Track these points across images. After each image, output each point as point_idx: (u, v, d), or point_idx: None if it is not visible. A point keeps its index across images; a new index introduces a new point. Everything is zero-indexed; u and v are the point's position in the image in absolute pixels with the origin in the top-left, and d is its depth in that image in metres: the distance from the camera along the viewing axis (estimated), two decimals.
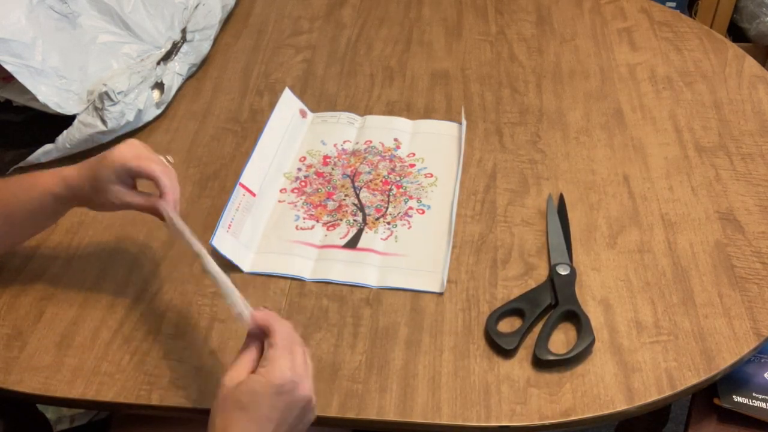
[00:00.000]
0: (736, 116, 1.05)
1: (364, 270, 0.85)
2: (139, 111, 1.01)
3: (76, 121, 0.96)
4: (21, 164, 0.98)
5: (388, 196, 0.95)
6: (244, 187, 0.89)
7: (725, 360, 0.76)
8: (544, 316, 0.80)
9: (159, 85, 1.05)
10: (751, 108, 1.07)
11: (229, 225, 0.86)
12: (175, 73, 1.09)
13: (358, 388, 0.74)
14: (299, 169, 0.99)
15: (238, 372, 0.61)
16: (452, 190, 0.94)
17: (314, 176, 0.98)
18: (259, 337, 0.64)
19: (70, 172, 0.76)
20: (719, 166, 0.98)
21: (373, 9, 1.30)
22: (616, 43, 1.20)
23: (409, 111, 1.08)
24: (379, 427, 0.73)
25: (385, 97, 1.11)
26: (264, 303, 0.82)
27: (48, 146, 0.97)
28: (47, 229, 0.90)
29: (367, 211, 0.92)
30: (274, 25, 1.27)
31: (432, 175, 0.97)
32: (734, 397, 0.88)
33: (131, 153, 0.74)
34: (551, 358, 0.75)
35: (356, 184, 0.96)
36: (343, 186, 0.96)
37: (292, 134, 1.02)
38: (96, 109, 0.96)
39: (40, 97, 0.93)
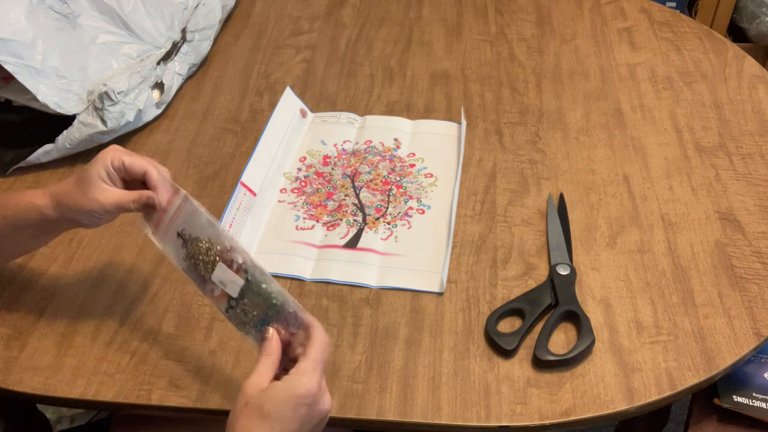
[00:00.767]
0: (736, 116, 1.05)
1: (364, 270, 0.85)
2: (139, 111, 1.01)
3: (76, 121, 0.96)
4: (21, 164, 0.98)
5: (388, 196, 0.95)
6: (245, 186, 0.89)
7: (725, 360, 0.76)
8: (544, 316, 0.80)
9: (159, 85, 1.05)
10: (751, 108, 1.07)
11: (230, 224, 0.86)
12: (175, 73, 1.09)
13: (358, 388, 0.74)
14: (299, 169, 0.99)
15: (260, 379, 0.61)
16: (452, 190, 0.94)
17: (314, 176, 0.98)
18: (280, 345, 0.64)
19: (55, 185, 0.73)
20: (719, 166, 0.98)
21: (373, 9, 1.30)
22: (616, 43, 1.20)
23: (409, 111, 1.08)
24: (379, 427, 0.73)
25: (385, 97, 1.11)
26: None
27: (48, 146, 0.97)
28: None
29: (367, 211, 0.93)
30: (274, 25, 1.27)
31: (432, 175, 0.97)
32: (734, 397, 0.88)
33: (123, 150, 0.72)
34: (551, 358, 0.75)
35: (356, 184, 0.96)
36: (343, 186, 0.96)
37: (292, 134, 1.02)
38: (96, 109, 0.96)
39: (40, 97, 0.93)
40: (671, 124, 1.05)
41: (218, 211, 0.92)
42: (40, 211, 0.72)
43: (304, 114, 1.06)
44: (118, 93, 0.97)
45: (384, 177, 0.97)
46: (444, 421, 0.72)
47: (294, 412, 0.59)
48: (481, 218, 0.91)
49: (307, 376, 0.60)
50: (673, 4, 1.99)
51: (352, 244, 0.88)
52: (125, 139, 1.03)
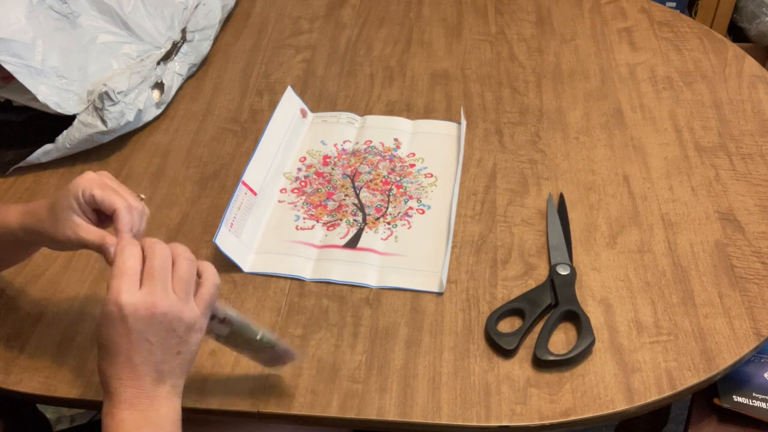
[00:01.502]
0: (736, 116, 1.06)
1: (364, 270, 0.85)
2: (139, 111, 1.01)
3: (76, 121, 0.96)
4: (21, 164, 0.98)
5: (388, 196, 0.95)
6: (246, 185, 0.89)
7: (725, 360, 0.76)
8: (544, 316, 0.80)
9: (159, 85, 1.05)
10: (751, 108, 1.07)
11: (231, 224, 0.86)
12: (175, 73, 1.09)
13: (358, 388, 0.74)
14: (299, 169, 0.99)
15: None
16: (452, 190, 0.94)
17: (314, 176, 0.98)
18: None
19: (29, 206, 0.70)
20: (719, 166, 0.98)
21: (373, 9, 1.30)
22: (616, 43, 1.20)
23: (409, 111, 1.08)
24: (379, 427, 0.73)
25: (385, 97, 1.11)
26: (264, 303, 0.82)
27: (48, 146, 0.97)
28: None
29: (367, 211, 0.93)
30: (274, 25, 1.27)
31: (432, 175, 0.97)
32: (734, 397, 0.88)
33: (98, 181, 0.67)
34: (551, 358, 0.75)
35: (356, 184, 0.96)
36: (343, 186, 0.96)
37: (292, 134, 1.02)
38: (96, 109, 0.96)
39: (40, 97, 0.93)
40: (671, 124, 1.05)
41: (219, 211, 0.92)
42: (14, 233, 0.70)
43: (304, 114, 1.06)
44: (118, 93, 0.97)
45: (384, 177, 0.97)
46: (444, 421, 0.72)
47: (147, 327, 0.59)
48: (481, 218, 0.91)
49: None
50: (673, 4, 1.99)
51: (352, 244, 0.88)
52: (125, 139, 1.03)
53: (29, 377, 0.75)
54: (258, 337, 0.69)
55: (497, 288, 0.83)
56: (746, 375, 0.89)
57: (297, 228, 0.91)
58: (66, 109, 0.96)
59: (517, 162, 0.99)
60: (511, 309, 0.80)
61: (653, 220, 0.91)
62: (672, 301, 0.82)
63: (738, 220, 0.90)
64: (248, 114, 1.08)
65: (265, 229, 0.90)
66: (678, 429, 1.41)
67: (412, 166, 0.99)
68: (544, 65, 1.16)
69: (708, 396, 0.90)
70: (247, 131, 1.05)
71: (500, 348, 0.76)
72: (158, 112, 1.07)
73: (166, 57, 1.08)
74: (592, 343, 0.76)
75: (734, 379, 0.89)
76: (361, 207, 0.93)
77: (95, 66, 1.01)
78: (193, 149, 1.02)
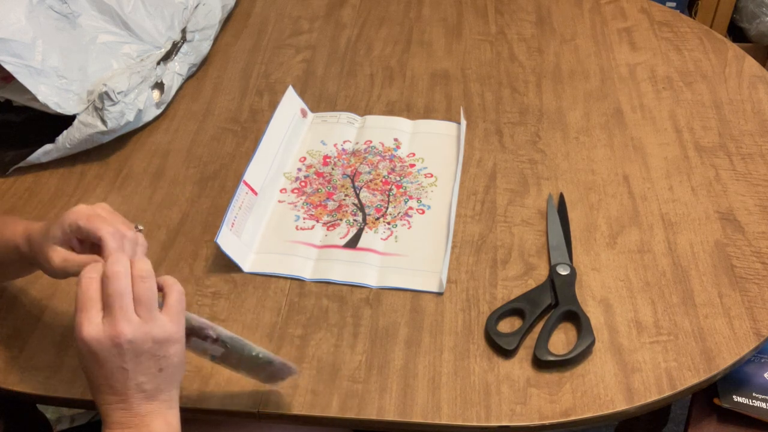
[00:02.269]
0: (736, 116, 1.06)
1: (364, 270, 0.85)
2: (139, 111, 1.01)
3: (76, 121, 0.96)
4: (21, 164, 0.98)
5: (388, 196, 0.95)
6: (247, 185, 0.89)
7: (725, 360, 0.76)
8: (544, 316, 0.80)
9: (159, 85, 1.05)
10: (751, 108, 1.07)
11: (232, 223, 0.86)
12: (175, 73, 1.09)
13: (358, 388, 0.74)
14: (299, 170, 0.99)
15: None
16: (452, 190, 0.94)
17: (314, 176, 0.98)
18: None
19: (35, 226, 0.69)
20: (719, 166, 0.98)
21: (373, 9, 1.30)
22: (616, 43, 1.20)
23: (409, 111, 1.08)
24: (379, 427, 0.73)
25: (385, 97, 1.11)
26: (264, 303, 0.82)
27: (48, 146, 0.97)
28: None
29: (367, 211, 0.93)
30: (274, 25, 1.27)
31: (432, 175, 0.97)
32: (734, 397, 0.88)
33: (86, 213, 0.66)
34: (551, 358, 0.75)
35: (356, 184, 0.96)
36: (343, 186, 0.96)
37: (292, 134, 1.02)
38: (96, 109, 0.96)
39: (40, 97, 0.93)
40: (671, 124, 1.05)
41: (219, 211, 0.92)
42: (19, 250, 0.70)
43: (304, 114, 1.06)
44: (118, 93, 0.97)
45: (384, 177, 0.97)
46: (444, 421, 0.72)
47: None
48: (481, 218, 0.91)
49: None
50: (673, 4, 1.99)
51: (352, 244, 0.88)
52: (125, 139, 1.03)
53: (29, 377, 0.75)
54: (254, 354, 0.68)
55: (497, 288, 0.83)
56: (746, 375, 0.89)
57: (297, 228, 0.91)
58: (66, 109, 0.96)
59: (517, 162, 0.99)
60: (511, 309, 0.80)
61: (653, 220, 0.91)
62: (672, 301, 0.82)
63: (738, 220, 0.90)
64: (248, 114, 1.08)
65: (266, 229, 0.90)
66: (678, 429, 1.41)
67: (412, 166, 0.99)
68: (544, 65, 1.16)
69: (708, 396, 0.90)
70: (247, 131, 1.05)
71: (500, 348, 0.76)
72: (158, 112, 1.07)
73: (166, 57, 1.08)
74: (592, 343, 0.76)
75: (734, 379, 0.89)
76: (361, 207, 0.93)
77: (95, 66, 1.01)
78: (193, 149, 1.02)
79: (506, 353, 0.76)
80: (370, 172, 0.98)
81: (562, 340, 0.78)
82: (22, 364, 0.76)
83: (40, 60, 0.94)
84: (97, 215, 0.66)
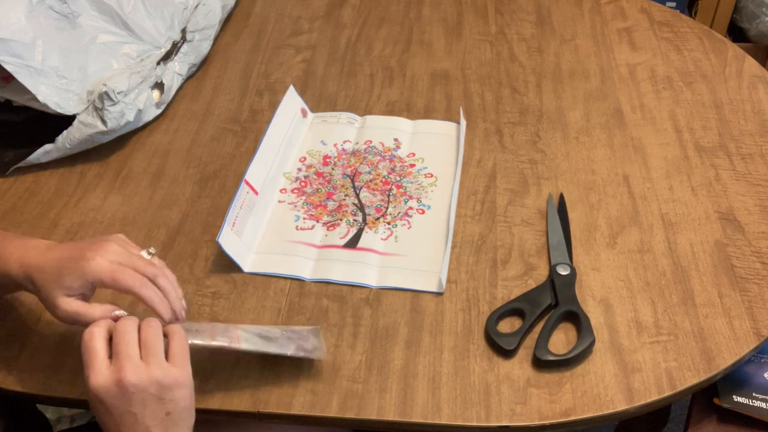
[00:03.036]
0: (736, 116, 1.06)
1: (364, 270, 0.85)
2: (139, 111, 1.01)
3: (76, 121, 0.96)
4: (21, 164, 0.98)
5: (388, 196, 0.95)
6: (248, 184, 0.89)
7: (725, 360, 0.76)
8: (544, 316, 0.80)
9: (159, 85, 1.05)
10: (751, 108, 1.07)
11: (233, 223, 0.86)
12: (175, 73, 1.09)
13: (358, 388, 0.74)
14: (299, 170, 0.99)
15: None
16: (452, 190, 0.94)
17: (314, 176, 0.98)
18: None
19: (34, 260, 0.68)
20: (719, 166, 0.98)
21: (373, 9, 1.30)
22: (616, 43, 1.20)
23: (409, 111, 1.08)
24: (379, 427, 0.73)
25: (385, 97, 1.11)
26: (264, 303, 0.82)
27: (48, 146, 0.97)
28: (47, 228, 0.90)
29: (367, 211, 0.93)
30: (274, 25, 1.27)
31: (432, 175, 0.97)
32: (734, 397, 0.88)
33: (109, 267, 0.66)
34: (551, 358, 0.75)
35: (356, 184, 0.96)
36: (343, 186, 0.96)
37: (293, 134, 1.02)
38: (96, 109, 0.96)
39: (40, 97, 0.93)
40: (671, 124, 1.05)
41: (219, 211, 0.92)
42: (11, 278, 0.69)
43: (304, 114, 1.06)
44: (118, 93, 0.97)
45: (384, 177, 0.97)
46: (444, 421, 0.72)
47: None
48: (481, 218, 0.91)
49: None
50: (673, 4, 1.99)
51: (352, 244, 0.88)
52: (125, 139, 1.03)
53: (29, 377, 0.75)
54: (273, 353, 0.72)
55: (497, 288, 0.83)
56: (746, 375, 0.89)
57: (297, 228, 0.91)
58: (66, 109, 0.96)
59: (517, 162, 0.99)
60: (511, 309, 0.80)
61: (653, 220, 0.91)
62: (672, 301, 0.82)
63: (738, 220, 0.90)
64: (248, 114, 1.08)
65: (266, 229, 0.90)
66: (678, 429, 1.41)
67: (412, 166, 0.99)
68: (544, 65, 1.16)
69: (708, 396, 0.90)
70: (247, 131, 1.05)
71: (500, 348, 0.76)
72: (158, 112, 1.07)
73: (166, 57, 1.08)
74: (592, 343, 0.76)
75: (734, 379, 0.89)
76: (361, 207, 0.93)
77: (95, 66, 1.01)
78: (193, 149, 1.02)
79: (506, 353, 0.76)
80: (370, 172, 0.98)
81: (562, 340, 0.78)
82: (22, 364, 0.76)
83: (40, 60, 0.94)
84: (118, 268, 0.67)
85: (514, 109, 1.08)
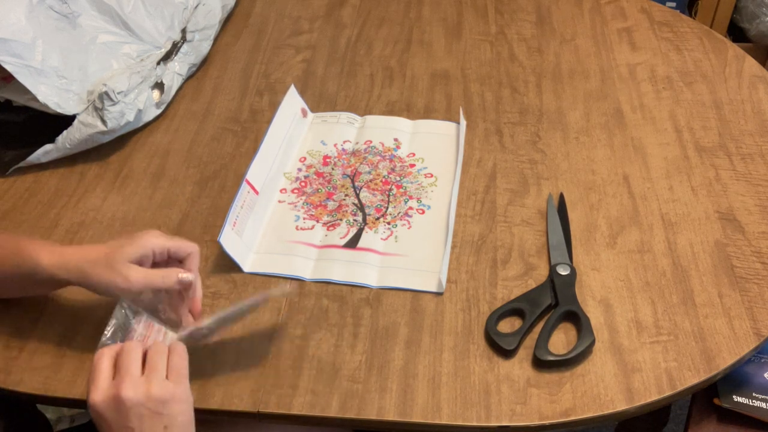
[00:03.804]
0: (736, 116, 1.06)
1: (364, 270, 0.85)
2: (139, 111, 1.01)
3: (76, 121, 0.96)
4: (21, 164, 0.98)
5: (388, 196, 0.95)
6: (249, 184, 0.89)
7: (725, 360, 0.76)
8: (544, 316, 0.80)
9: (159, 85, 1.05)
10: (751, 108, 1.07)
11: (234, 222, 0.86)
12: (175, 73, 1.09)
13: (358, 388, 0.74)
14: (299, 170, 0.99)
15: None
16: (452, 190, 0.94)
17: (314, 176, 0.98)
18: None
19: (72, 249, 0.72)
20: (719, 166, 0.98)
21: (373, 9, 1.30)
22: (616, 43, 1.20)
23: (409, 111, 1.08)
24: (379, 427, 0.73)
25: (385, 97, 1.11)
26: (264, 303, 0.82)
27: (48, 146, 0.97)
28: (47, 228, 0.90)
29: (367, 211, 0.93)
30: (274, 25, 1.27)
31: (432, 175, 0.97)
32: (734, 397, 0.88)
33: (163, 236, 0.73)
34: (551, 358, 0.75)
35: (356, 184, 0.96)
36: (343, 186, 0.96)
37: (293, 133, 1.02)
38: (96, 109, 0.96)
39: (40, 97, 0.93)
40: (671, 124, 1.05)
41: (218, 211, 0.92)
42: (46, 270, 0.71)
43: (304, 113, 1.06)
44: (118, 93, 0.97)
45: (384, 177, 0.97)
46: (444, 421, 0.72)
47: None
48: (481, 218, 0.91)
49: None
50: (673, 4, 1.99)
51: (352, 244, 0.88)
52: (125, 139, 1.03)
53: (29, 377, 0.75)
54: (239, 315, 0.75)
55: (497, 288, 0.83)
56: (746, 375, 0.89)
57: (297, 228, 0.91)
58: (66, 109, 0.96)
59: (517, 162, 0.99)
60: (511, 309, 0.80)
61: (653, 220, 0.91)
62: (672, 301, 0.82)
63: (738, 220, 0.90)
64: (248, 114, 1.08)
65: (266, 229, 0.90)
66: (678, 429, 1.41)
67: (412, 166, 0.99)
68: (544, 65, 1.16)
69: (708, 396, 0.90)
70: (247, 131, 1.05)
71: (500, 348, 0.76)
72: (158, 112, 1.07)
73: (166, 57, 1.08)
74: (592, 343, 0.76)
75: (734, 379, 0.89)
76: (361, 207, 0.93)
77: (95, 66, 1.01)
78: (193, 149, 1.02)
79: (506, 353, 0.76)
80: (370, 172, 0.98)
81: (562, 340, 0.78)
82: (22, 364, 0.76)
83: (40, 60, 0.94)
84: (171, 237, 0.74)
85: (514, 109, 1.08)
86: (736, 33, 2.06)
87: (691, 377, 0.74)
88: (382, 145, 1.02)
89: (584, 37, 1.22)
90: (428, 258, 0.86)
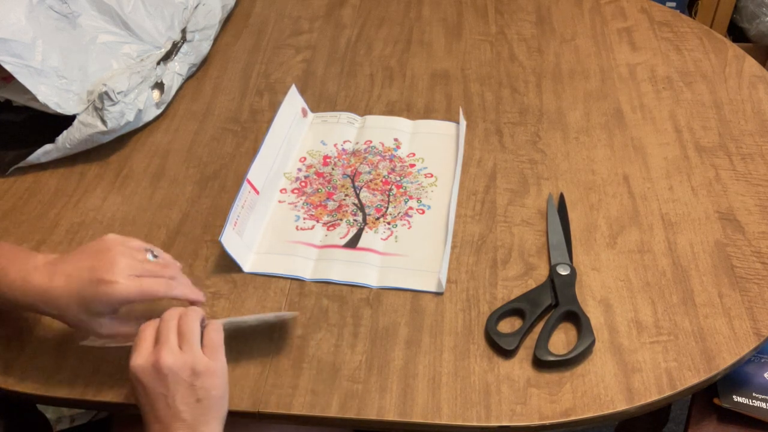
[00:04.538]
0: (736, 116, 1.06)
1: (364, 270, 0.85)
2: (139, 111, 1.01)
3: (76, 121, 0.96)
4: (21, 164, 0.98)
5: (388, 196, 0.95)
6: (250, 184, 0.89)
7: (725, 360, 0.76)
8: (544, 316, 0.80)
9: (159, 85, 1.05)
10: (751, 108, 1.07)
11: (235, 222, 0.85)
12: (175, 73, 1.09)
13: (358, 388, 0.74)
14: (299, 170, 0.99)
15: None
16: (452, 190, 0.94)
17: (314, 176, 0.98)
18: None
19: (42, 284, 0.68)
20: (719, 166, 0.98)
21: (373, 9, 1.30)
22: (616, 43, 1.20)
23: (409, 111, 1.08)
24: (379, 427, 0.73)
25: (385, 97, 1.11)
26: (264, 303, 0.82)
27: (48, 146, 0.97)
28: (47, 228, 0.90)
29: (367, 210, 0.93)
30: (274, 25, 1.27)
31: (432, 175, 0.97)
32: (734, 397, 0.88)
33: (133, 287, 0.68)
34: (551, 358, 0.75)
35: (356, 184, 0.96)
36: (343, 186, 0.96)
37: (293, 133, 1.02)
38: (96, 109, 0.96)
39: (40, 97, 0.93)
40: (671, 124, 1.05)
41: (219, 211, 0.92)
42: (24, 306, 0.71)
43: (305, 113, 1.06)
44: (118, 93, 0.97)
45: (384, 177, 0.97)
46: (444, 421, 0.72)
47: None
48: (481, 218, 0.91)
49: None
50: (673, 4, 1.99)
51: (352, 243, 0.88)
52: (125, 139, 1.03)
53: (29, 377, 0.75)
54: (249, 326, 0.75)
55: (497, 288, 0.83)
56: (746, 375, 0.90)
57: (297, 228, 0.91)
58: (66, 109, 0.96)
59: (517, 162, 0.99)
60: (511, 309, 0.80)
61: (653, 220, 0.91)
62: (672, 301, 0.82)
63: (738, 220, 0.90)
64: (248, 114, 1.08)
65: (266, 229, 0.90)
66: (678, 429, 1.41)
67: (412, 166, 0.99)
68: (544, 65, 1.16)
69: (708, 396, 0.90)
70: (247, 131, 1.05)
71: (500, 348, 0.76)
72: (158, 112, 1.07)
73: (166, 57, 1.08)
74: (592, 343, 0.76)
75: (734, 379, 0.89)
76: (361, 207, 0.93)
77: (95, 66, 1.01)
78: (193, 149, 1.02)
79: (506, 353, 0.76)
80: (370, 172, 0.98)
81: (562, 340, 0.78)
82: (22, 364, 0.76)
83: (40, 60, 0.94)
84: (141, 282, 0.69)
85: (514, 109, 1.08)
86: (736, 33, 2.06)
87: (691, 377, 0.74)
88: (382, 145, 1.02)
89: (584, 37, 1.22)
90: (428, 258, 0.86)
